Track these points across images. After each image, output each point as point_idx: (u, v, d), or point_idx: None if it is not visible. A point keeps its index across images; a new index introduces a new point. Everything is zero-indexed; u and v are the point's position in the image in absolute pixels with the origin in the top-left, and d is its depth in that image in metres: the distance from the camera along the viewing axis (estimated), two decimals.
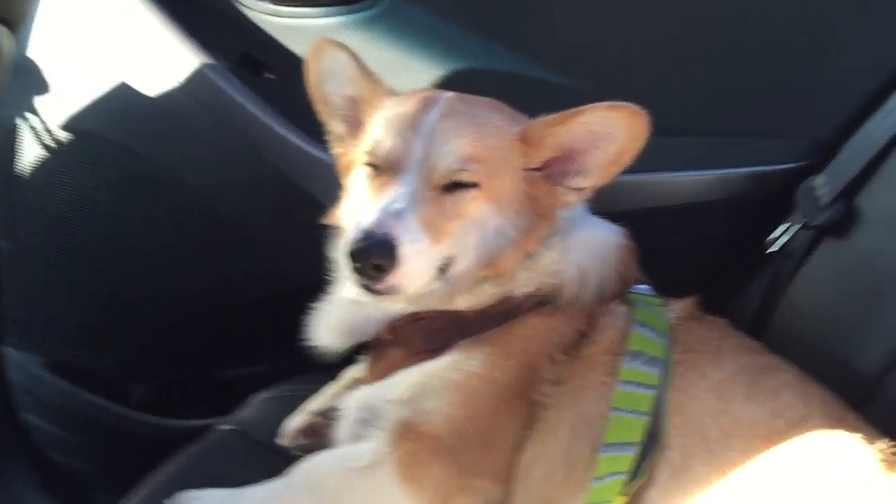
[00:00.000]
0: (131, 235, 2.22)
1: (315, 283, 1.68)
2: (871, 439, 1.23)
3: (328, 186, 1.77)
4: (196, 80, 1.99)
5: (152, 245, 2.24)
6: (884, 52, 1.85)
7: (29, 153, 2.11)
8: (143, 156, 2.10)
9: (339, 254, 1.56)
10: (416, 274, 1.40)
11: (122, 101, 2.04)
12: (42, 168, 2.10)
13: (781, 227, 1.80)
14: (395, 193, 1.42)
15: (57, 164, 2.11)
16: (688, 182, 1.95)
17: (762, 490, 1.17)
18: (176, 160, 2.11)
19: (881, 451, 1.21)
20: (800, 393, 1.33)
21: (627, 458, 1.26)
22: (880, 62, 1.84)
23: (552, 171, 1.55)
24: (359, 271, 1.37)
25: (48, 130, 2.06)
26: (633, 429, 1.29)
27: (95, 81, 2.06)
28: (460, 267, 1.49)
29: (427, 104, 1.51)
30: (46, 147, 2.07)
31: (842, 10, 1.87)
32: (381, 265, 1.35)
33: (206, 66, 1.98)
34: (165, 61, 2.00)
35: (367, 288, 1.40)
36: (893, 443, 1.24)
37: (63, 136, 2.08)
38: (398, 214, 1.38)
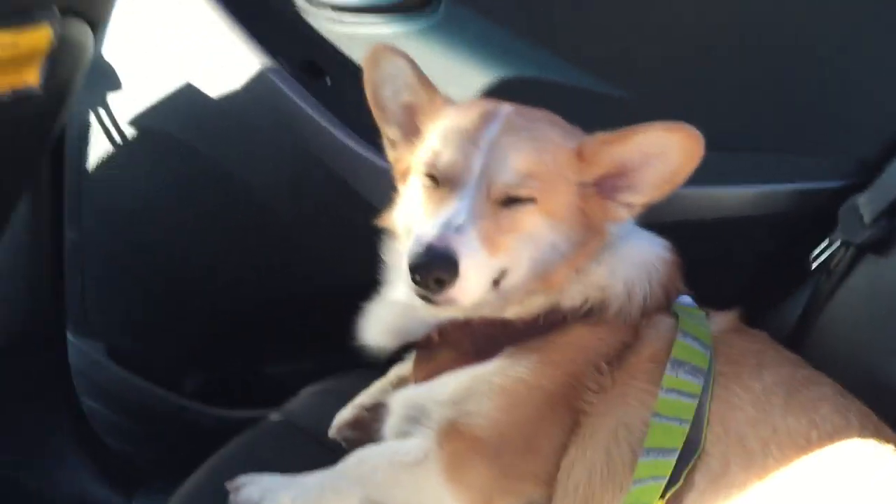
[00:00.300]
0: (190, 231, 2.29)
1: (367, 283, 1.73)
2: None
3: (382, 191, 1.81)
4: (258, 83, 2.04)
5: (210, 241, 2.30)
6: None
7: (98, 148, 2.19)
8: (204, 154, 2.16)
9: (398, 260, 1.62)
10: (474, 287, 1.44)
11: (187, 100, 2.10)
12: (110, 163, 2.18)
13: (823, 244, 1.82)
14: (454, 207, 1.45)
15: (124, 160, 2.18)
16: (732, 196, 1.96)
17: (798, 498, 1.20)
18: (236, 160, 2.17)
19: None
20: (837, 405, 1.35)
21: (667, 462, 1.29)
22: None
23: (605, 186, 1.58)
24: (419, 283, 1.41)
25: (118, 127, 2.14)
26: (674, 435, 1.32)
27: (163, 81, 2.13)
28: (514, 279, 1.52)
29: (486, 118, 1.54)
30: (115, 143, 2.15)
31: (886, 28, 1.89)
32: (442, 279, 1.39)
33: (268, 69, 2.03)
34: (230, 64, 2.06)
35: (426, 298, 1.44)
36: None
37: (131, 132, 2.15)
38: (459, 229, 1.41)
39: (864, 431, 1.29)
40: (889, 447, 1.26)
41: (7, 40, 1.39)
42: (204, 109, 2.12)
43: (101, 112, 2.16)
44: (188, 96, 2.11)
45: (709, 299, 1.65)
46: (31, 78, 1.53)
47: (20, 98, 1.53)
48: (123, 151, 2.17)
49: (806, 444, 1.27)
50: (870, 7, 1.89)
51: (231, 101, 2.07)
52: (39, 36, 1.46)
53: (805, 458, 1.25)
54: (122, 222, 2.28)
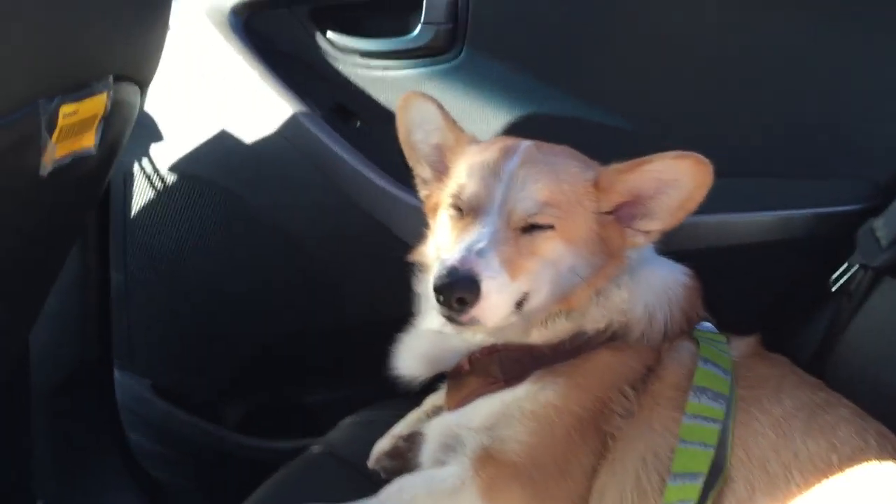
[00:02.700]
0: (227, 269, 2.35)
1: (401, 315, 1.79)
2: None
3: (413, 226, 1.88)
4: (291, 127, 2.10)
5: (247, 278, 2.36)
6: None
7: (141, 196, 2.27)
8: (240, 197, 2.23)
9: (426, 288, 1.67)
10: (496, 307, 1.50)
11: (223, 147, 2.18)
12: (152, 209, 2.26)
13: (842, 268, 1.84)
14: (477, 234, 1.53)
15: (165, 206, 2.26)
16: (750, 222, 1.99)
17: None
18: (270, 201, 2.23)
19: None
20: (856, 427, 1.37)
21: (694, 487, 1.32)
22: None
23: (622, 214, 1.64)
24: (443, 304, 1.48)
25: (159, 175, 2.21)
26: (700, 460, 1.36)
27: (201, 129, 2.21)
28: (536, 302, 1.59)
29: (507, 152, 1.63)
30: (157, 190, 2.22)
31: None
32: (465, 299, 1.46)
33: (300, 114, 2.10)
34: (263, 111, 2.13)
35: (451, 319, 1.51)
36: None
37: (171, 179, 2.23)
38: (480, 253, 1.49)
39: (883, 453, 1.32)
40: None
41: (70, 110, 1.46)
42: (239, 155, 2.19)
43: (144, 162, 2.24)
44: (224, 143, 2.18)
45: (730, 324, 1.69)
46: (89, 141, 1.60)
47: (78, 160, 1.59)
48: (164, 197, 2.24)
49: (826, 468, 1.29)
50: (883, 33, 1.94)
51: (265, 146, 2.14)
52: (97, 103, 1.53)
53: (826, 482, 1.27)
54: (164, 264, 2.34)
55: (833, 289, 1.86)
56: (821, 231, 1.97)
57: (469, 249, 1.50)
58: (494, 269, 1.49)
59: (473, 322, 1.51)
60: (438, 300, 1.48)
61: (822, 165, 2.00)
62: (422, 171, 1.84)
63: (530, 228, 1.57)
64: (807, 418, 1.40)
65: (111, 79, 1.55)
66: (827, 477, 1.28)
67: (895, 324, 1.73)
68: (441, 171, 1.79)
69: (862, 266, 1.79)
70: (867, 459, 1.29)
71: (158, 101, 2.23)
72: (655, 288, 1.68)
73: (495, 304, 1.50)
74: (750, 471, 1.35)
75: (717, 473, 1.35)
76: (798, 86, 1.97)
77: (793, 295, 2.09)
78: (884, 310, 1.77)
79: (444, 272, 1.47)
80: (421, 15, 2.11)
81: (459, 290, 1.46)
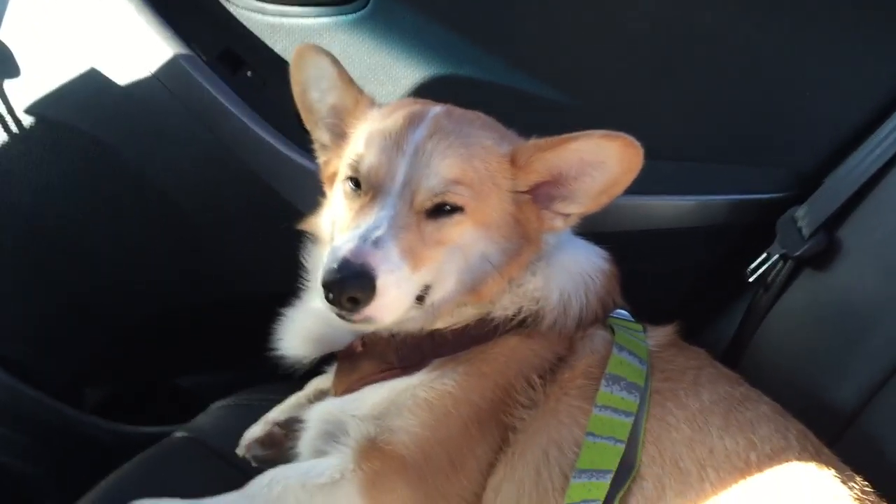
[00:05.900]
0: (92, 231, 2.16)
1: (286, 289, 1.64)
2: (845, 477, 1.22)
3: (305, 192, 1.73)
4: (170, 70, 1.92)
5: (114, 242, 2.18)
6: (867, 87, 1.87)
7: None
8: (109, 148, 2.04)
9: (316, 262, 1.54)
10: (394, 305, 1.36)
11: (91, 88, 1.97)
12: (5, 156, 2.04)
13: (762, 257, 1.79)
14: (375, 218, 1.37)
15: (19, 152, 2.04)
16: (668, 207, 1.94)
17: None
18: (144, 154, 2.05)
19: (855, 489, 1.20)
20: (777, 426, 1.31)
21: (601, 485, 1.23)
22: (863, 97, 1.87)
23: (540, 194, 1.51)
24: (333, 302, 1.32)
25: (13, 116, 1.99)
26: (608, 456, 1.27)
27: (65, 67, 2.00)
28: (440, 294, 1.46)
29: (413, 120, 1.46)
30: (10, 133, 2.00)
31: (824, 45, 1.89)
32: (357, 298, 1.30)
33: (181, 56, 1.92)
34: (139, 50, 1.94)
35: (342, 317, 1.35)
36: (867, 482, 1.23)
37: (27, 122, 2.02)
38: (377, 242, 1.33)
39: (804, 453, 1.25)
40: (827, 471, 1.22)
41: None
42: (109, 100, 1.98)
43: None
44: (93, 84, 1.97)
45: (644, 311, 1.61)
46: None
47: None
48: (20, 143, 2.01)
49: (744, 467, 1.22)
50: (810, 28, 1.90)
51: (139, 91, 1.94)
52: None
53: (743, 482, 1.20)
54: (16, 218, 2.12)
55: (751, 279, 1.81)
56: (740, 218, 1.93)
57: (364, 238, 1.34)
58: (393, 262, 1.33)
59: (367, 321, 1.36)
60: (327, 297, 1.32)
61: (744, 152, 1.96)
62: (320, 134, 1.67)
63: (437, 211, 1.41)
64: (725, 414, 1.32)
65: None
66: (744, 476, 1.21)
67: (814, 316, 1.68)
68: (340, 135, 1.62)
69: (782, 256, 1.74)
70: (787, 459, 1.23)
71: (17, 31, 2.00)
72: (573, 274, 1.56)
73: (393, 302, 1.35)
74: (661, 468, 1.26)
75: (626, 472, 1.25)
76: (726, 70, 1.92)
77: (710, 284, 2.05)
78: (803, 302, 1.72)
79: (335, 265, 1.30)
80: None
81: (351, 288, 1.30)
